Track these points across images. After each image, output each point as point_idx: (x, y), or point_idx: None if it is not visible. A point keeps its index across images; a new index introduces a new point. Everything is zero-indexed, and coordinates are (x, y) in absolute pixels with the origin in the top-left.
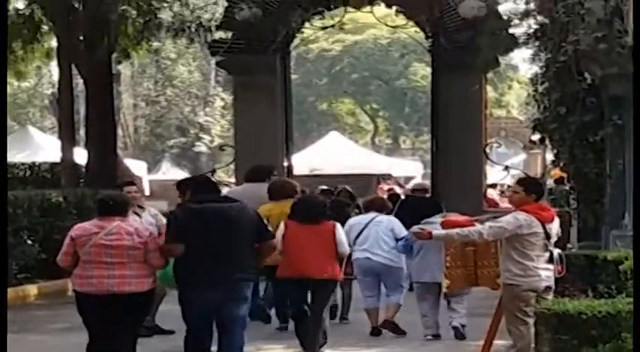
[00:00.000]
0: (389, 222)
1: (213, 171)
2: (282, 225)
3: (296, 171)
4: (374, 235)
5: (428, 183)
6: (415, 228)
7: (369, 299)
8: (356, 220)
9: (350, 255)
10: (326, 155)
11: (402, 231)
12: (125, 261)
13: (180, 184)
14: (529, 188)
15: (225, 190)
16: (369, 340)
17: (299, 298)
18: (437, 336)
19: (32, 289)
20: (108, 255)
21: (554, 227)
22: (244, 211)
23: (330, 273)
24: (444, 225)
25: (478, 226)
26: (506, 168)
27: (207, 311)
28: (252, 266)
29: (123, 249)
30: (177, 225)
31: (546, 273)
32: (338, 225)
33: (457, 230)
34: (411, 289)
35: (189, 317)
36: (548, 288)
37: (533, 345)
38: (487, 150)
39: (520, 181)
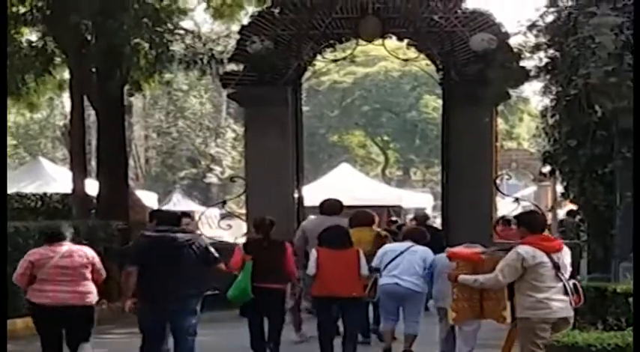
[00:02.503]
0: (423, 253)
1: (224, 203)
2: (313, 251)
3: (307, 203)
4: (407, 263)
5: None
6: (448, 271)
7: (388, 322)
8: (391, 247)
9: (375, 279)
10: (336, 186)
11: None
12: (76, 279)
13: (151, 215)
14: (521, 222)
15: (305, 221)
16: None
17: (328, 314)
18: None
19: None
20: (63, 274)
21: (564, 257)
22: (193, 240)
23: (357, 292)
24: (450, 257)
25: (493, 273)
26: (517, 200)
27: (160, 321)
28: (200, 285)
29: (75, 269)
30: (133, 251)
31: (559, 304)
32: (360, 251)
33: (480, 277)
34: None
35: (145, 327)
36: (563, 319)
37: None
38: (497, 182)
39: (516, 216)
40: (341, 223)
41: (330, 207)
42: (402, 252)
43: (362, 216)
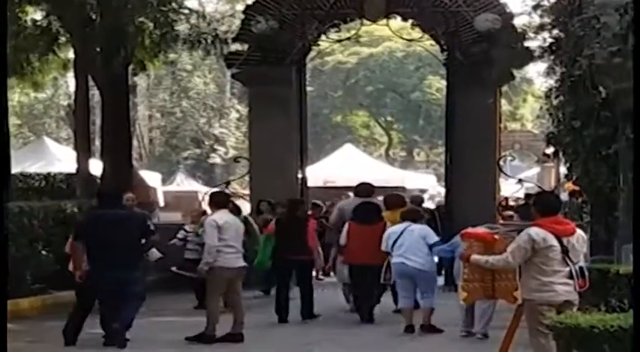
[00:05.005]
0: (421, 231)
1: (228, 183)
2: (346, 225)
3: (310, 183)
4: (408, 243)
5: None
6: (461, 250)
7: (405, 300)
8: (393, 229)
9: (389, 262)
10: (340, 167)
11: (434, 238)
12: None
13: (98, 195)
14: (534, 203)
15: (341, 202)
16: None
17: (360, 279)
18: (471, 333)
19: (47, 300)
20: None
21: (575, 241)
22: (132, 217)
23: (379, 260)
24: (464, 237)
25: (503, 255)
26: (520, 181)
27: (107, 286)
28: (139, 257)
29: None
30: (78, 226)
31: (564, 288)
32: (388, 224)
33: (490, 258)
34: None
35: (98, 293)
36: (567, 303)
37: None
38: (501, 163)
39: (531, 197)
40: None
41: (364, 190)
42: (401, 233)
43: (394, 199)
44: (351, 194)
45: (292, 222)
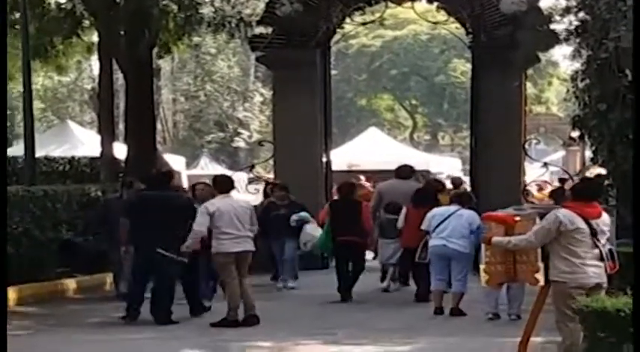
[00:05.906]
0: (469, 216)
1: (252, 167)
2: (404, 209)
3: (334, 167)
4: (453, 226)
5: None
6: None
7: (438, 282)
8: (439, 210)
9: (426, 241)
10: (364, 151)
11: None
12: None
13: (147, 177)
14: (572, 188)
15: (380, 184)
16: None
17: (408, 261)
18: (497, 315)
19: (70, 283)
20: None
21: (603, 223)
22: (178, 198)
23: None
24: (484, 219)
25: (526, 235)
26: (545, 164)
27: (145, 264)
28: (181, 236)
29: None
30: (126, 205)
31: (595, 270)
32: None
33: (513, 239)
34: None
35: (134, 268)
36: (598, 285)
37: None
38: (526, 146)
39: (564, 181)
40: (413, 186)
41: (403, 171)
42: (449, 216)
43: (435, 183)
44: (362, 177)
45: (347, 204)
